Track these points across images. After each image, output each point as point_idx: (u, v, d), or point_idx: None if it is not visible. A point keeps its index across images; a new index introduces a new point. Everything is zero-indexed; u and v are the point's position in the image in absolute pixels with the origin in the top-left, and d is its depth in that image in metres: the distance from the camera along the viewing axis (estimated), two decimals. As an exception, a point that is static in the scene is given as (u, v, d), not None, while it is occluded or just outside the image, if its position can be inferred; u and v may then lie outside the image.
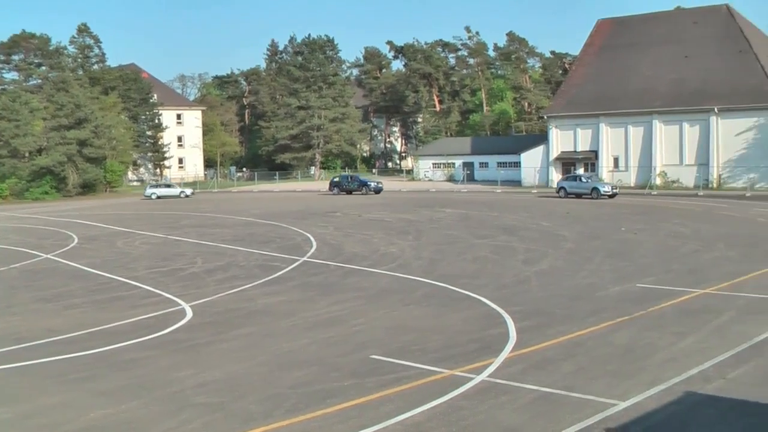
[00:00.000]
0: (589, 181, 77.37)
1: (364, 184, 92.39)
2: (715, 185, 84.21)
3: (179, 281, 31.04)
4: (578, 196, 74.63)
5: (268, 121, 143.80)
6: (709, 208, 59.11)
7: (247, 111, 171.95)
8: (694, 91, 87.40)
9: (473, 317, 22.64)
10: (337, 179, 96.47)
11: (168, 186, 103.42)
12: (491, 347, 18.91)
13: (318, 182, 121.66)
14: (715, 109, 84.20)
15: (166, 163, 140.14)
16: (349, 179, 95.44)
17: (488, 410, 14.42)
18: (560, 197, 75.27)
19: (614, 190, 74.68)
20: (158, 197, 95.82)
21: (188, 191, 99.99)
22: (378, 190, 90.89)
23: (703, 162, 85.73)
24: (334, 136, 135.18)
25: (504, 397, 15.13)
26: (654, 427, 13.47)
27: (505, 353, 18.32)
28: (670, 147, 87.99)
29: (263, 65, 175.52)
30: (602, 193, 73.57)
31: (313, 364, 18.01)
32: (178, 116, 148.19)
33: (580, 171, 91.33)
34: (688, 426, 13.50)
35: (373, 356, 18.44)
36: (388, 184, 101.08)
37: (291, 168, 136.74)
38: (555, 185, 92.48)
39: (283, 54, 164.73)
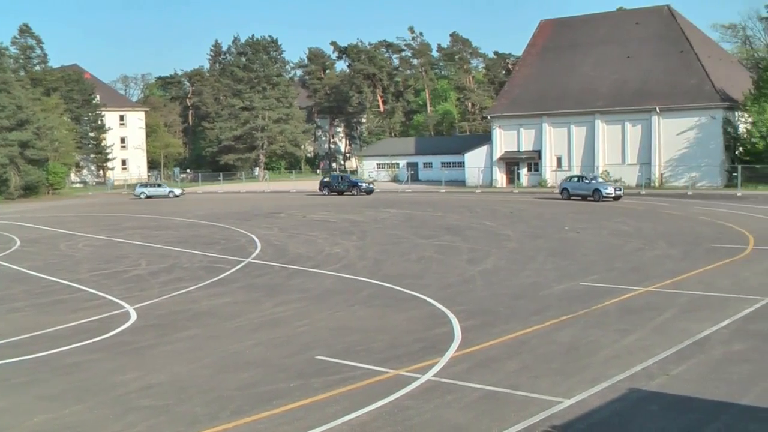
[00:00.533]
0: (592, 182, 71.48)
1: (355, 184, 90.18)
2: (657, 184, 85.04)
3: (123, 284, 30.71)
4: (583, 198, 69.54)
5: (211, 122, 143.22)
6: (652, 207, 59.70)
7: (190, 112, 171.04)
8: (635, 91, 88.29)
9: (418, 317, 22.67)
10: (327, 180, 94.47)
11: (159, 186, 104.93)
12: (436, 347, 18.95)
13: (262, 183, 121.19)
14: (657, 109, 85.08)
15: (109, 164, 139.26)
16: (340, 180, 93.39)
17: (434, 409, 14.46)
18: (563, 199, 71.09)
19: (618, 192, 69.19)
20: (147, 196, 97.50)
21: (177, 191, 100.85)
22: (369, 191, 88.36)
23: (645, 161, 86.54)
24: (278, 137, 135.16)
25: (449, 396, 15.18)
26: (598, 424, 13.59)
27: (450, 352, 18.38)
28: (613, 146, 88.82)
29: (207, 66, 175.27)
30: (604, 194, 68.26)
31: (259, 365, 17.94)
32: (121, 117, 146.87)
33: (542, 169, 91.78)
34: (631, 422, 13.63)
35: (319, 357, 18.41)
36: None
37: (235, 169, 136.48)
38: (498, 185, 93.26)
39: (227, 55, 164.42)
